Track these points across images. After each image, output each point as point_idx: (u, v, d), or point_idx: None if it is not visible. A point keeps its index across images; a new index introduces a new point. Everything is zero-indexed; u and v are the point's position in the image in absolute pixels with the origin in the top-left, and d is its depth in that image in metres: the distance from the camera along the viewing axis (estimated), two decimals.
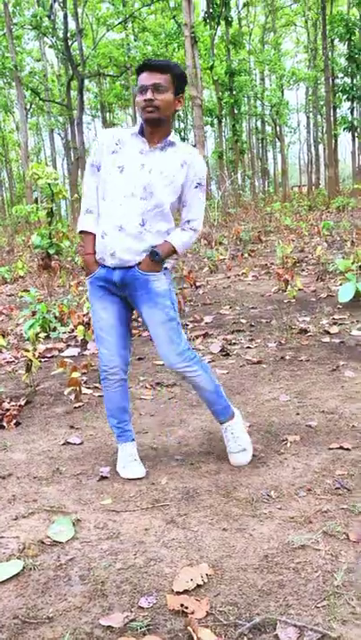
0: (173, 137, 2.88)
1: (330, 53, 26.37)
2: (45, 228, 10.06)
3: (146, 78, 2.71)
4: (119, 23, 27.84)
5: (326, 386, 4.25)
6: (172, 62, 2.83)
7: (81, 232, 2.96)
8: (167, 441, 3.47)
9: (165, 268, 2.93)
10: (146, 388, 4.48)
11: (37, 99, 31.69)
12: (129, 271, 2.85)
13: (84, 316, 6.16)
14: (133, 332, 6.26)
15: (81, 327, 5.36)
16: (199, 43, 25.83)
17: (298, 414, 3.75)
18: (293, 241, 13.13)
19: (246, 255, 11.91)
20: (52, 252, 10.13)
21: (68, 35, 22.09)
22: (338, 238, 12.77)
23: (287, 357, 4.99)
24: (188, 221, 2.98)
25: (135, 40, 28.77)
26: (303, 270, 9.59)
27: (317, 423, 3.56)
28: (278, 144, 40.39)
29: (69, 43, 22.22)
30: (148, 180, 2.79)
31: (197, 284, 8.97)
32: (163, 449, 3.36)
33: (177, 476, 2.99)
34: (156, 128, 2.81)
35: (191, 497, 2.76)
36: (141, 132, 2.85)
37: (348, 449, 3.16)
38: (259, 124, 38.57)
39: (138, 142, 2.84)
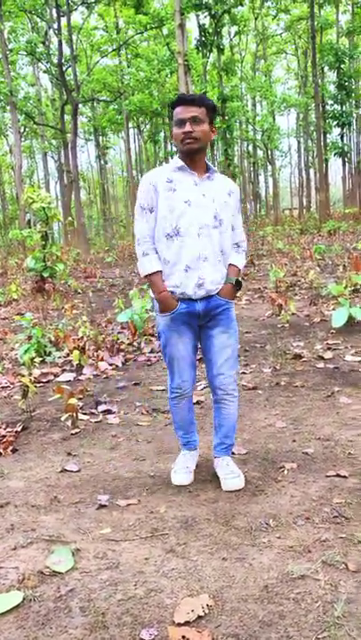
0: (211, 166, 3.07)
1: (320, 81, 26.81)
2: (39, 251, 10.11)
3: (183, 111, 2.88)
4: (113, 50, 28.22)
5: (322, 412, 4.27)
6: (205, 96, 3.01)
7: (147, 275, 3.03)
8: (165, 468, 3.47)
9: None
10: (142, 414, 4.48)
11: (31, 122, 32.00)
12: (211, 300, 3.03)
13: (78, 340, 6.17)
14: (128, 356, 6.28)
15: (76, 352, 5.37)
16: (192, 70, 26.22)
17: (294, 441, 3.76)
18: (286, 265, 13.24)
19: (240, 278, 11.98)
20: (46, 275, 10.17)
21: (63, 60, 22.36)
22: (330, 262, 12.89)
23: (282, 383, 5.02)
24: (238, 244, 3.19)
25: (128, 66, 29.13)
26: (296, 294, 9.66)
27: (314, 450, 3.58)
28: (270, 168, 40.82)
29: (64, 68, 22.50)
30: (215, 208, 2.97)
31: None
32: (160, 476, 3.36)
33: (175, 505, 2.99)
34: (195, 157, 2.97)
35: (190, 526, 2.76)
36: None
37: (345, 476, 3.17)
38: (250, 148, 38.92)
39: (187, 176, 2.98)
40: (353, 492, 2.99)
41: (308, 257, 14.12)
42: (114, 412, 4.43)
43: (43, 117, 33.38)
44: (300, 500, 2.96)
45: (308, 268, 12.15)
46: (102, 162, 40.97)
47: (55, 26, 22.48)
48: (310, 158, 41.74)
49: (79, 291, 11.01)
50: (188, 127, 2.86)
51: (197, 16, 21.79)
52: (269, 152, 34.81)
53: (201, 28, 20.98)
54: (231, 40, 31.61)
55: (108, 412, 4.42)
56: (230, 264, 3.09)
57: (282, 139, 49.08)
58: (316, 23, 24.11)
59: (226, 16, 19.93)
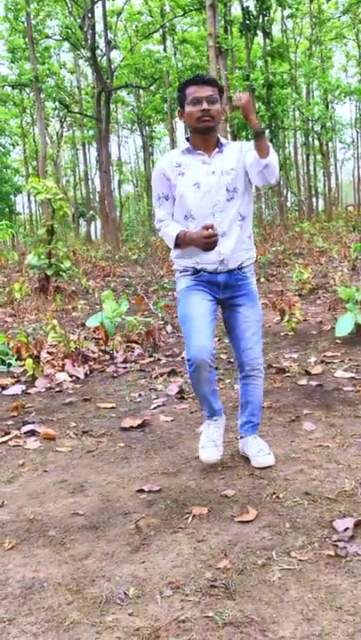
0: (223, 140, 3.15)
1: None
2: (44, 247, 9.65)
3: (198, 90, 2.97)
4: (150, 34, 27.39)
5: (275, 441, 3.76)
6: (215, 78, 3.21)
7: (175, 240, 3.08)
8: (51, 510, 3.07)
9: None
10: (70, 437, 4.02)
11: (67, 111, 31.63)
12: (232, 274, 3.15)
13: (35, 347, 5.54)
14: (96, 367, 5.79)
15: (29, 361, 4.96)
16: (237, 53, 25.31)
17: (223, 478, 3.28)
18: (322, 264, 12.53)
19: (264, 280, 11.35)
20: (50, 272, 9.69)
21: (95, 46, 21.73)
22: None
23: None
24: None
25: (175, 53, 28.27)
26: (319, 298, 9.05)
27: (237, 491, 3.08)
28: (331, 160, 39.39)
29: (98, 54, 21.98)
30: (226, 181, 3.05)
31: None
32: (41, 520, 2.95)
33: (34, 562, 2.58)
34: (209, 135, 3.07)
35: (32, 594, 2.33)
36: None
37: (258, 527, 2.66)
38: (305, 138, 37.34)
39: (195, 156, 3.10)
40: (254, 551, 2.49)
41: (345, 257, 13.31)
42: (37, 435, 4.02)
43: (80, 106, 32.74)
44: (185, 559, 2.50)
45: (340, 269, 11.41)
46: (147, 153, 40.13)
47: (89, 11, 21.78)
48: None
49: (90, 291, 10.61)
50: (205, 105, 2.95)
51: None
52: (324, 144, 33.32)
53: (245, 10, 20.16)
54: (283, 23, 30.43)
55: (33, 433, 4.02)
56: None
57: (345, 129, 47.24)
58: None
59: None
